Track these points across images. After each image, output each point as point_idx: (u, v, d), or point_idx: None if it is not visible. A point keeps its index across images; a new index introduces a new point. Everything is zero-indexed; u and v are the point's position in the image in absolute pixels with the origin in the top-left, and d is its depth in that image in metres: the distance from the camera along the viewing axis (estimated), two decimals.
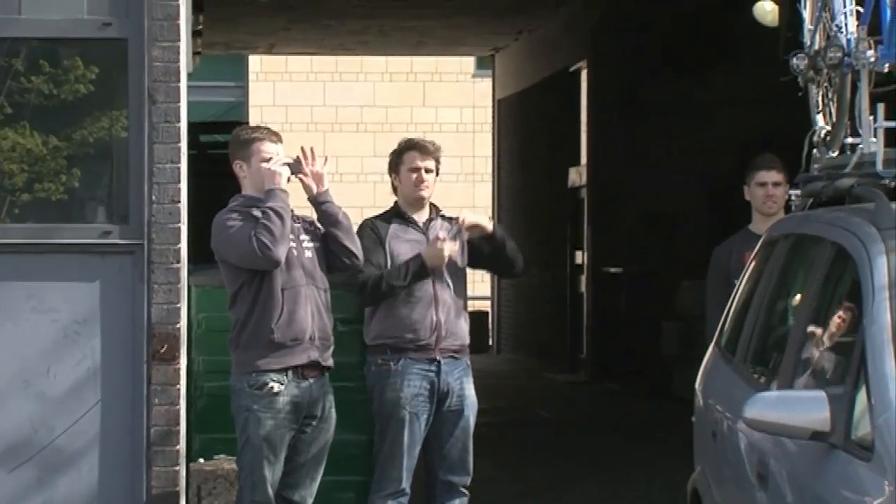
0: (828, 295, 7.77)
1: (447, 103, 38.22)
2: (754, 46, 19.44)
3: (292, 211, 9.82)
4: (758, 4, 19.39)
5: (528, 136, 30.93)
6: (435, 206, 10.66)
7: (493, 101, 34.08)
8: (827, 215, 8.32)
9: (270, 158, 9.75)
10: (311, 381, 9.77)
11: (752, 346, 8.59)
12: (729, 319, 9.23)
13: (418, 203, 10.56)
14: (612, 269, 25.02)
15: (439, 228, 10.52)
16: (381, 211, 10.83)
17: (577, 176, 26.98)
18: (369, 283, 10.28)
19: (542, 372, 27.47)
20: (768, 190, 10.91)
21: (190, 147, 10.73)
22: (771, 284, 8.74)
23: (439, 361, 10.42)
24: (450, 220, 10.65)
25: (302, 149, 9.99)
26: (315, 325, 9.78)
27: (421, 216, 10.58)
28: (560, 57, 27.78)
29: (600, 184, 25.71)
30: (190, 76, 10.97)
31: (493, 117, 34.29)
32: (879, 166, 8.09)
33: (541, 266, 29.24)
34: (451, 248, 10.33)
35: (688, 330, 17.86)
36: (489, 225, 10.67)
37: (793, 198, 9.17)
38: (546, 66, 28.89)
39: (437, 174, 10.60)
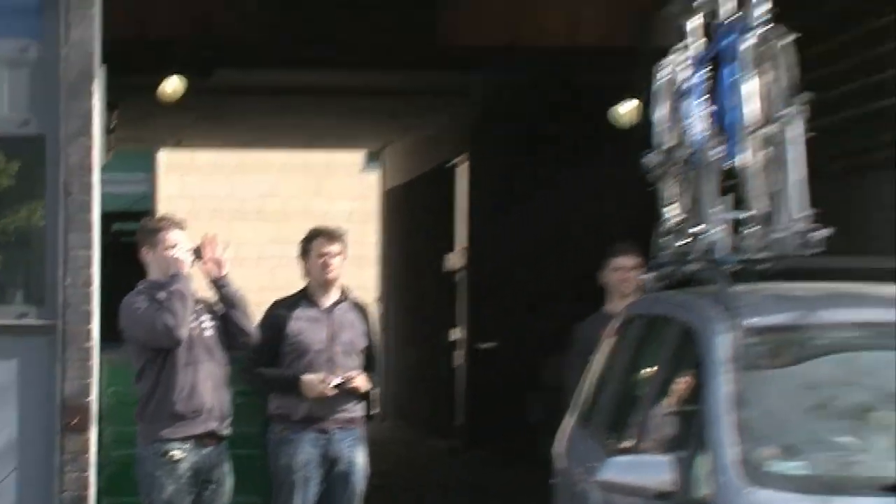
0: (675, 369, 7.89)
1: (339, 194, 38.26)
2: (615, 143, 19.67)
3: (194, 293, 9.86)
4: (612, 109, 19.61)
5: (411, 224, 30.96)
6: (344, 288, 10.73)
7: (381, 191, 34.12)
8: (675, 297, 8.46)
9: (175, 245, 9.78)
10: (210, 448, 9.81)
11: (607, 415, 8.64)
12: (586, 390, 9.28)
13: (327, 285, 10.63)
14: (485, 345, 25.08)
15: (346, 311, 10.61)
16: (279, 291, 10.89)
17: (453, 261, 27.07)
18: (252, 370, 10.36)
19: (423, 440, 27.46)
20: (624, 274, 11.00)
21: (102, 235, 10.71)
22: (626, 359, 8.83)
23: (329, 432, 10.48)
24: (357, 303, 10.73)
25: (205, 236, 10.04)
26: (214, 398, 9.81)
27: (329, 297, 10.65)
28: (442, 152, 27.86)
29: (476, 268, 25.80)
30: (103, 169, 10.93)
31: (381, 207, 34.34)
32: (723, 252, 8.09)
33: (423, 342, 29.35)
34: (331, 393, 10.39)
35: (552, 399, 17.93)
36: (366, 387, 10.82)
37: (645, 282, 9.15)
38: (429, 161, 28.96)
39: (345, 257, 10.68)
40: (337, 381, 10.40)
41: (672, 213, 9.17)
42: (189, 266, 9.84)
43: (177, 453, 9.70)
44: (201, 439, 9.78)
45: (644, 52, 18.74)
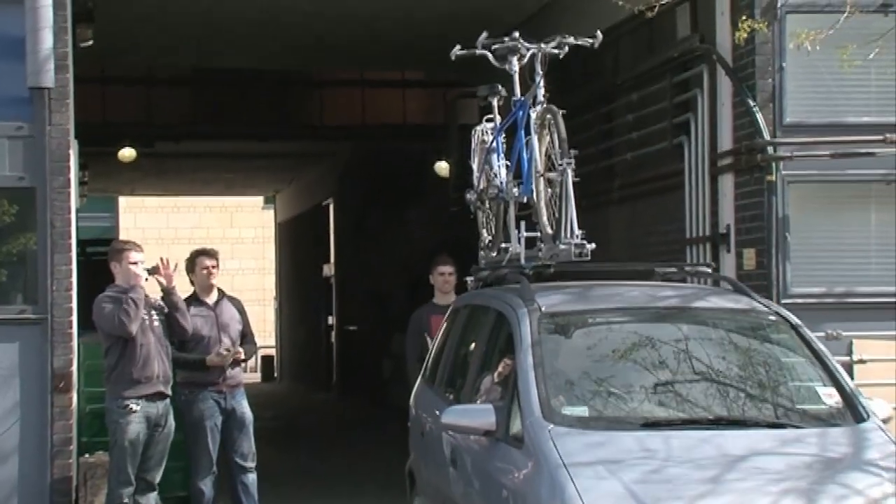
0: (492, 343, 7.79)
1: (246, 225, 38.03)
2: (436, 187, 19.66)
3: (148, 297, 9.68)
4: (437, 164, 19.57)
5: (298, 245, 30.83)
6: (220, 289, 10.54)
7: (276, 223, 33.95)
8: (490, 292, 8.35)
9: (136, 262, 9.61)
10: (158, 403, 9.60)
11: (446, 377, 8.48)
12: (430, 360, 9.04)
13: (210, 289, 10.42)
14: (351, 327, 24.97)
15: (225, 305, 10.39)
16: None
17: (328, 270, 26.98)
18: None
19: (309, 393, 27.29)
20: (445, 277, 10.91)
21: (79, 256, 10.51)
22: (456, 337, 8.63)
23: (225, 392, 10.29)
24: (232, 298, 10.52)
25: (161, 259, 9.87)
26: (160, 369, 9.61)
27: (212, 298, 10.42)
28: (318, 196, 27.77)
29: (343, 274, 25.74)
30: (78, 210, 10.77)
31: (276, 234, 34.17)
32: (523, 260, 8.09)
33: (308, 326, 29.16)
34: (227, 363, 10.16)
35: (397, 364, 17.85)
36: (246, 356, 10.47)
37: (468, 282, 8.97)
38: (309, 202, 28.86)
39: (219, 269, 10.51)
40: (223, 351, 10.17)
41: (485, 234, 9.15)
42: (144, 279, 9.63)
43: (133, 405, 9.48)
44: (151, 397, 9.56)
45: (451, 126, 18.88)
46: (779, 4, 9.97)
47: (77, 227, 10.40)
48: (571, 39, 8.23)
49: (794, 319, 7.49)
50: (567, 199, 7.60)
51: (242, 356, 10.35)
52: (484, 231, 9.16)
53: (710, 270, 8.62)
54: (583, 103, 13.33)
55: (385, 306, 22.31)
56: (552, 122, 7.90)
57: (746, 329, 7.43)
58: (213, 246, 11.36)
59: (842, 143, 9.92)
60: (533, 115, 8.08)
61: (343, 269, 25.66)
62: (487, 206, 9.07)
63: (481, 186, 9.04)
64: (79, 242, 10.65)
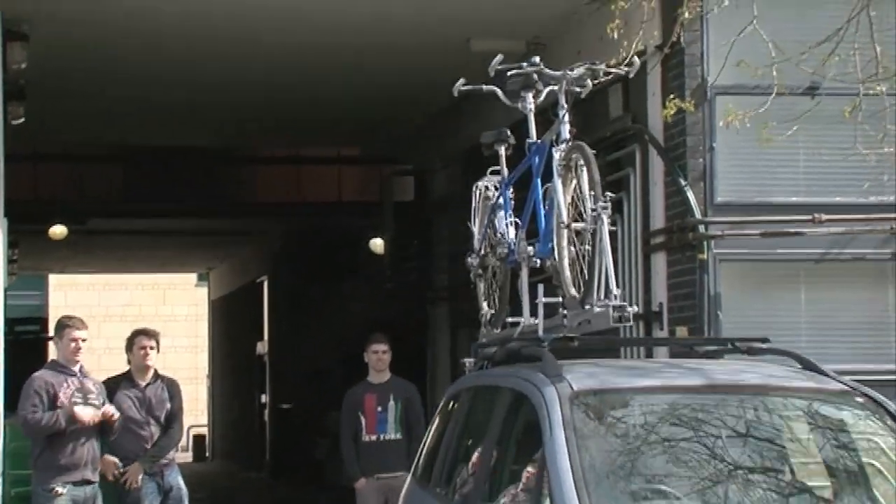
0: (507, 432, 6.50)
1: (179, 302, 37.83)
2: (371, 264, 19.69)
3: (83, 382, 9.58)
4: (371, 241, 19.62)
5: (232, 322, 30.71)
6: (157, 370, 10.47)
7: (209, 300, 33.81)
8: (500, 371, 6.87)
9: (75, 339, 9.53)
10: (85, 488, 9.53)
11: (445, 476, 7.06)
12: (422, 457, 7.59)
13: (145, 370, 10.35)
14: (285, 405, 24.85)
15: (156, 389, 10.31)
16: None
17: (262, 347, 26.90)
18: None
19: (241, 473, 27.07)
20: (379, 355, 10.88)
21: (6, 335, 10.42)
22: (457, 428, 7.16)
23: (161, 469, 10.21)
24: (167, 379, 10.45)
25: (105, 412, 9.62)
26: (89, 455, 9.54)
27: (146, 379, 10.35)
28: (252, 273, 27.73)
29: (277, 352, 25.64)
30: (7, 289, 10.69)
31: (209, 311, 34.01)
32: (541, 332, 6.67)
33: (241, 404, 28.98)
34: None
35: (332, 442, 17.80)
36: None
37: (466, 364, 7.57)
38: (243, 279, 28.80)
39: (158, 349, 10.43)
40: (115, 471, 10.00)
41: (485, 307, 7.90)
42: (88, 417, 9.48)
43: (60, 488, 9.41)
44: (78, 483, 9.49)
45: (386, 203, 18.96)
46: (708, 86, 10.16)
47: (5, 306, 10.33)
48: (603, 66, 7.01)
49: (892, 406, 6.18)
50: (603, 253, 6.36)
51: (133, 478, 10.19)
52: (485, 303, 7.90)
53: (764, 346, 6.89)
54: (519, 182, 13.44)
55: (320, 384, 22.25)
56: (581, 162, 6.64)
57: (826, 414, 6.16)
58: (145, 324, 11.31)
59: (771, 222, 10.09)
60: (556, 157, 6.81)
61: (277, 346, 25.58)
62: (491, 273, 7.82)
63: (484, 250, 7.84)
64: (7, 321, 10.58)
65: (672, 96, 9.38)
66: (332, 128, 17.26)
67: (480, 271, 7.89)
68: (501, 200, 7.62)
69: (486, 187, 7.94)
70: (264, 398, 26.78)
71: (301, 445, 22.84)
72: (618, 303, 6.25)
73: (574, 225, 6.66)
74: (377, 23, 12.37)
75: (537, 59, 7.04)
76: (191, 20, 12.19)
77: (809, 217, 10.05)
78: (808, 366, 6.46)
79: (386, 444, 10.63)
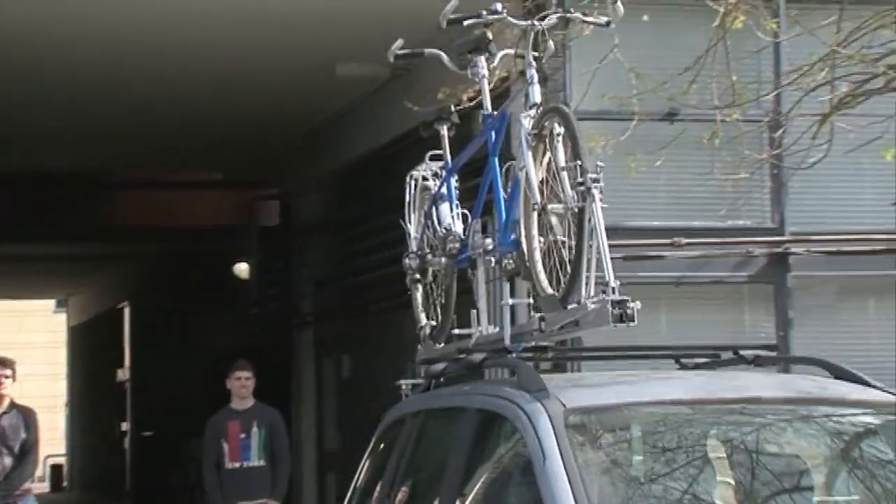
0: (475, 463, 5.11)
1: (37, 329, 37.24)
2: (235, 289, 19.57)
3: None
4: (236, 266, 19.51)
5: (91, 349, 30.37)
6: (12, 400, 10.33)
7: (68, 327, 33.36)
8: (457, 390, 5.64)
9: None
10: None
11: None
12: (354, 499, 6.25)
13: (0, 399, 10.23)
14: (147, 433, 24.59)
15: (10, 419, 10.20)
16: None
17: (122, 374, 26.64)
18: None
19: (100, 502, 26.72)
20: (242, 382, 10.84)
21: None
22: (402, 462, 5.74)
23: (17, 501, 10.08)
24: (23, 409, 10.32)
25: None
26: None
27: (1, 408, 10.21)
28: (113, 299, 27.47)
29: (138, 379, 25.41)
30: None
31: (68, 338, 33.56)
32: (508, 340, 5.47)
33: (100, 432, 28.60)
34: None
35: (194, 469, 17.66)
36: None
37: (403, 386, 6.24)
38: (104, 305, 28.49)
39: (14, 378, 10.32)
40: None
41: (423, 318, 6.59)
42: None
43: None
44: None
45: (251, 228, 18.89)
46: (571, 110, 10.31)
47: None
48: (579, 15, 5.79)
49: None
50: (595, 237, 5.09)
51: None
52: (422, 314, 6.59)
53: (773, 353, 5.81)
54: (378, 208, 13.56)
55: (183, 411, 22.05)
56: (558, 130, 5.31)
57: (879, 433, 4.97)
58: (1, 352, 11.16)
59: (633, 246, 10.28)
60: (525, 125, 5.44)
61: (139, 373, 25.33)
62: (431, 276, 6.55)
63: (422, 250, 6.56)
64: None
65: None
66: (199, 152, 17.18)
67: (418, 276, 6.61)
68: (445, 189, 6.37)
69: (424, 176, 6.62)
70: (125, 426, 26.47)
71: (163, 473, 22.60)
72: (617, 297, 4.92)
73: (551, 207, 5.35)
74: (243, 47, 12.37)
75: (499, 5, 5.83)
76: (56, 44, 12.08)
77: (670, 241, 10.26)
78: (844, 375, 5.18)
79: (249, 472, 10.60)
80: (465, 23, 5.77)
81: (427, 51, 6.20)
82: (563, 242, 5.29)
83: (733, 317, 10.45)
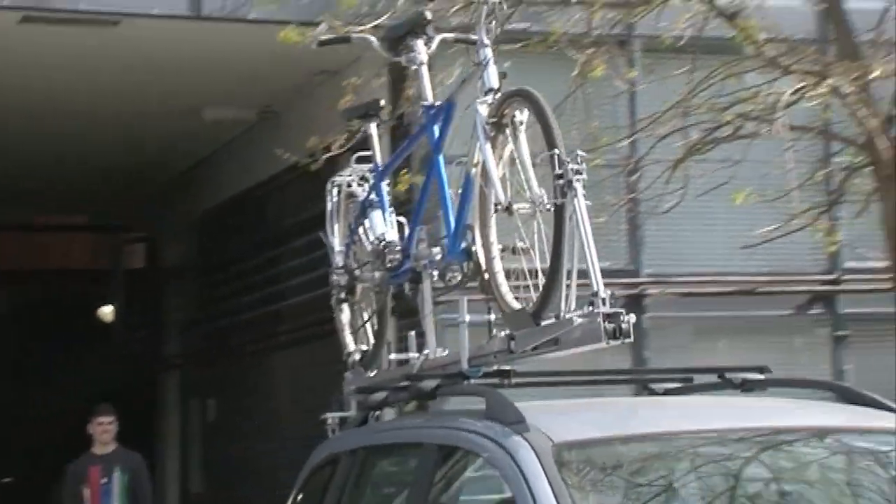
0: (438, 500, 4.37)
1: None
2: (99, 332, 19.42)
3: None
4: (100, 308, 19.39)
5: None
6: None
7: None
8: (404, 423, 4.97)
9: None
10: None
11: None
12: None
13: None
14: (5, 479, 24.18)
15: None
16: None
17: None
18: None
19: None
20: (105, 426, 10.77)
21: None
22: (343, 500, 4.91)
23: None
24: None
25: None
26: None
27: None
28: None
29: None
30: None
31: None
32: (465, 364, 4.68)
33: None
34: None
35: None
36: None
37: (329, 420, 5.48)
38: None
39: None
40: None
41: (350, 343, 5.88)
42: None
43: None
44: None
45: (116, 271, 18.81)
46: None
47: None
48: None
49: None
50: (577, 237, 4.35)
51: None
52: (349, 338, 5.86)
53: (762, 376, 4.87)
54: (247, 250, 13.65)
55: (44, 456, 21.76)
56: (521, 118, 4.62)
57: None
58: None
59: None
60: (481, 113, 4.73)
61: (0, 417, 24.88)
62: (361, 295, 5.78)
63: (349, 265, 5.79)
64: None
65: (404, 170, 9.64)
66: (67, 194, 17.09)
67: (344, 295, 5.82)
68: (376, 195, 5.60)
69: (349, 183, 5.87)
70: None
71: None
72: (609, 309, 4.19)
73: (517, 207, 4.57)
74: (111, 91, 12.39)
75: None
76: None
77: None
78: (858, 399, 4.55)
79: None
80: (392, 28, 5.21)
81: (354, 35, 5.63)
82: (525, 249, 4.58)
83: (589, 356, 10.65)
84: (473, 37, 4.96)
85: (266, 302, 13.67)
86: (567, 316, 4.31)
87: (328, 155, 9.22)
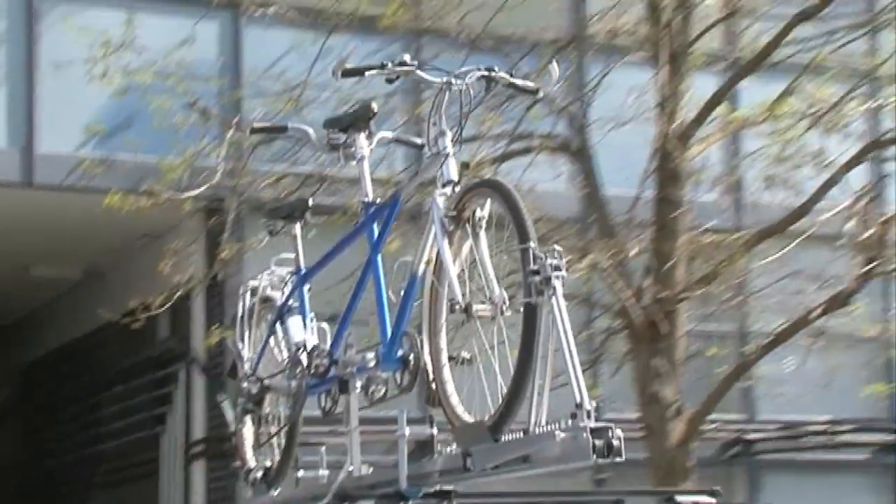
0: None
1: None
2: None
3: None
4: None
5: None
6: None
7: None
8: None
9: None
10: None
11: None
12: None
13: None
14: None
15: None
16: None
17: None
18: None
19: None
20: None
21: None
22: None
23: None
24: None
25: None
26: None
27: None
28: None
29: None
30: None
31: None
32: (404, 482, 4.28)
33: None
34: None
35: None
36: None
37: None
38: None
39: None
40: None
41: (251, 460, 5.26)
42: None
43: None
44: None
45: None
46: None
47: None
48: (504, 75, 4.51)
49: None
50: (562, 340, 3.93)
51: None
52: (250, 454, 5.27)
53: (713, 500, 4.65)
54: (74, 395, 14.16)
55: None
56: (483, 213, 4.30)
57: None
58: None
59: None
60: (439, 205, 4.37)
61: None
62: (267, 407, 5.25)
63: (260, 374, 5.22)
64: None
65: (216, 325, 10.21)
66: None
67: (251, 405, 5.24)
68: (296, 300, 5.12)
69: (265, 287, 5.37)
70: None
71: None
72: (596, 423, 3.76)
73: (477, 308, 4.19)
74: None
75: (407, 56, 4.63)
76: None
77: None
78: None
79: None
80: (367, 73, 4.57)
81: (291, 125, 5.11)
82: (470, 358, 4.26)
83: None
84: (417, 140, 4.82)
85: (86, 443, 14.29)
86: (538, 430, 3.87)
87: (147, 315, 9.74)
